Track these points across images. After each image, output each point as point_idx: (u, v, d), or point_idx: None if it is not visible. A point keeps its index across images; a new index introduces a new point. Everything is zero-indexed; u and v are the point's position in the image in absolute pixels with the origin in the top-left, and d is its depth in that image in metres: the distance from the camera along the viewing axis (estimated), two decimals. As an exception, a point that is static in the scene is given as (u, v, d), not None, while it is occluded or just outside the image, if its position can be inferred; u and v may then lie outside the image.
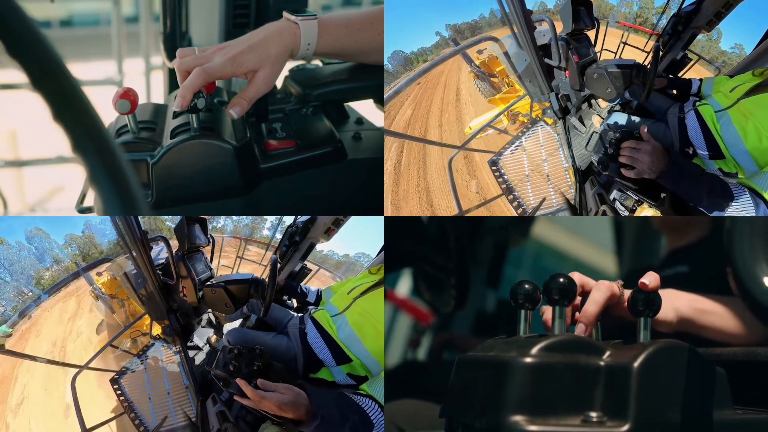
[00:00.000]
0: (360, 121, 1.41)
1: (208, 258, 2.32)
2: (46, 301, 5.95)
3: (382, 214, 1.32)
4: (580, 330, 0.78)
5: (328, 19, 1.20)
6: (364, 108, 1.47)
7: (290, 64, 1.45)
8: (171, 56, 1.56)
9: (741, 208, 1.21)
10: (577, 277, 0.81)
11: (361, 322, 1.50)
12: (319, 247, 2.67)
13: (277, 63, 1.15)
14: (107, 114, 0.87)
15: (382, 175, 1.29)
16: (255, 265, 4.53)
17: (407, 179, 6.65)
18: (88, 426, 1.91)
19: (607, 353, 0.65)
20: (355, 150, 1.27)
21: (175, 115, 1.12)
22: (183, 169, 1.08)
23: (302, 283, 2.39)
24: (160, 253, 2.17)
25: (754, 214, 1.18)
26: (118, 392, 2.02)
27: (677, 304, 0.89)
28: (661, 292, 0.86)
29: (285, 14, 1.20)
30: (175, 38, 1.60)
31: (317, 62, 1.57)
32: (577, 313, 0.80)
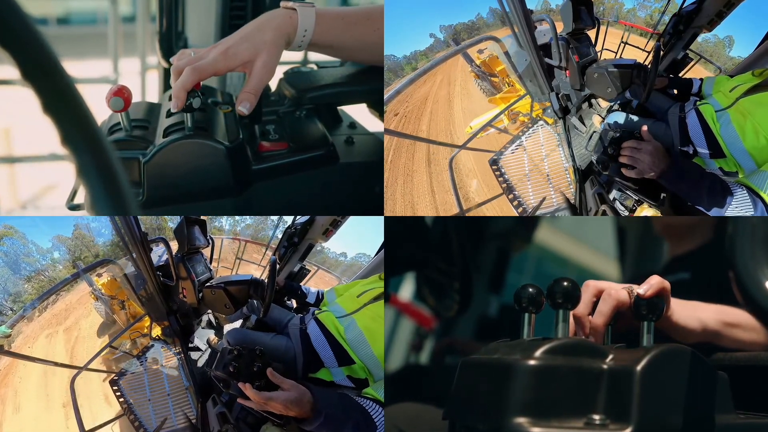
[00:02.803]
0: (353, 125, 1.41)
1: (208, 259, 2.32)
2: (28, 325, 5.04)
3: (368, 206, 1.32)
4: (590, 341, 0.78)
5: (325, 10, 1.19)
6: (358, 112, 1.47)
7: (284, 66, 1.44)
8: (167, 56, 1.56)
9: (739, 207, 1.21)
10: (591, 283, 0.81)
11: (372, 326, 1.49)
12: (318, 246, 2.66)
13: (273, 48, 1.11)
14: (101, 112, 0.87)
15: (375, 179, 1.29)
16: (254, 266, 4.49)
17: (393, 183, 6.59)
18: (87, 428, 1.91)
19: (610, 356, 0.65)
20: (348, 154, 1.27)
21: (169, 114, 1.12)
22: (175, 168, 1.08)
23: (301, 284, 2.40)
24: (162, 256, 2.16)
25: (752, 213, 1.18)
26: (118, 394, 2.02)
27: (703, 315, 0.88)
28: (685, 303, 0.85)
29: (282, 3, 1.18)
30: (171, 38, 1.60)
31: (312, 66, 1.57)
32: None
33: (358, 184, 1.26)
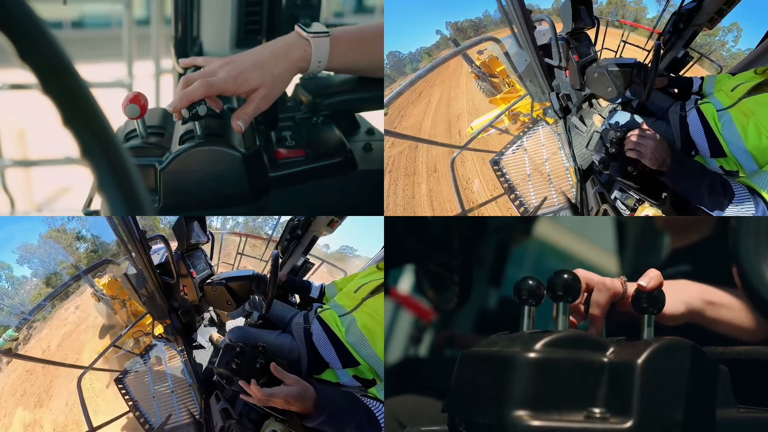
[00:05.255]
0: (371, 131, 1.40)
1: (208, 255, 2.32)
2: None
3: (382, 213, 1.32)
4: (591, 332, 0.78)
5: (341, 34, 1.18)
6: (376, 118, 1.46)
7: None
8: None
9: (741, 206, 1.21)
10: (581, 273, 0.81)
11: (371, 324, 1.47)
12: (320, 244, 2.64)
13: (279, 82, 1.13)
14: (116, 117, 0.87)
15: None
16: (256, 261, 4.34)
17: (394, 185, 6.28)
18: (94, 425, 1.92)
19: (611, 350, 0.65)
20: (366, 161, 1.26)
21: (184, 121, 1.12)
22: (191, 175, 1.08)
23: (305, 278, 2.38)
24: (163, 256, 2.17)
25: (753, 213, 1.18)
26: (123, 392, 2.03)
27: (686, 296, 0.89)
28: (672, 283, 0.85)
29: (297, 29, 1.17)
30: (186, 43, 1.59)
31: (329, 71, 1.56)
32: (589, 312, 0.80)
33: (376, 191, 1.25)
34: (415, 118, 9.58)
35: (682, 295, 0.88)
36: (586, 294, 0.81)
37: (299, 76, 1.42)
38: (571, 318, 0.80)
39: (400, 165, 6.56)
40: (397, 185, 6.09)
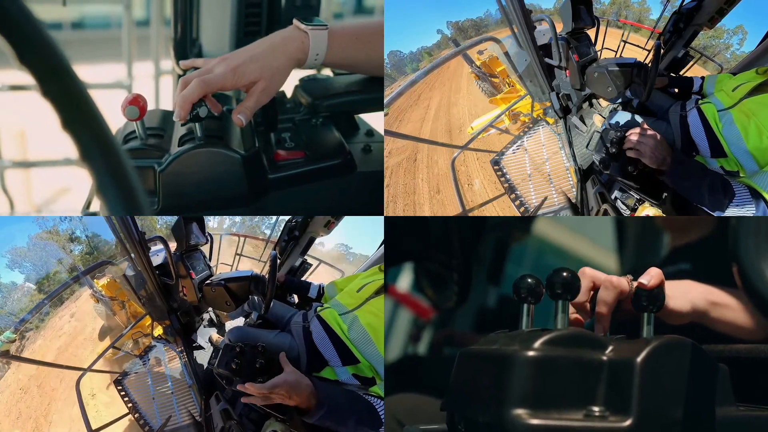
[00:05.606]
0: (370, 133, 1.40)
1: (207, 256, 2.32)
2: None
3: (382, 213, 1.32)
4: (597, 331, 0.79)
5: (340, 29, 1.18)
6: (375, 120, 1.46)
7: (300, 73, 1.44)
8: None
9: (741, 207, 1.21)
10: (587, 271, 0.81)
11: (374, 322, 1.47)
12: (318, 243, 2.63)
13: (277, 75, 1.12)
14: (115, 119, 0.87)
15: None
16: (254, 261, 4.28)
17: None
18: (93, 427, 1.92)
19: (610, 348, 0.65)
20: (365, 162, 1.26)
21: (185, 122, 1.12)
22: (190, 177, 1.08)
23: (302, 279, 2.38)
24: (163, 258, 2.16)
25: (754, 213, 1.18)
26: (122, 393, 2.03)
27: (691, 296, 0.89)
28: (676, 283, 0.86)
29: (295, 22, 1.17)
30: (185, 45, 1.58)
31: (328, 72, 1.55)
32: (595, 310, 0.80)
33: (376, 192, 1.25)
34: (413, 125, 9.34)
35: (687, 294, 0.88)
36: (592, 292, 0.81)
37: (299, 77, 1.42)
38: (577, 316, 0.80)
39: (398, 179, 6.44)
40: (396, 204, 5.93)
